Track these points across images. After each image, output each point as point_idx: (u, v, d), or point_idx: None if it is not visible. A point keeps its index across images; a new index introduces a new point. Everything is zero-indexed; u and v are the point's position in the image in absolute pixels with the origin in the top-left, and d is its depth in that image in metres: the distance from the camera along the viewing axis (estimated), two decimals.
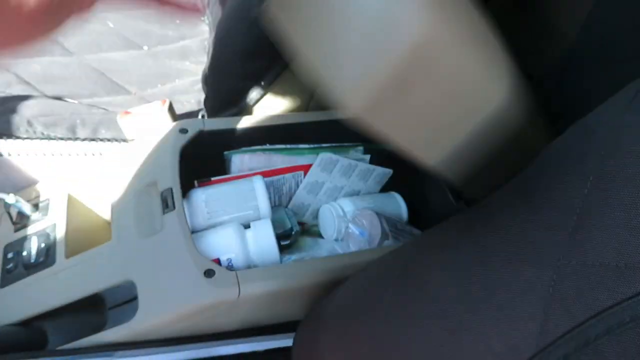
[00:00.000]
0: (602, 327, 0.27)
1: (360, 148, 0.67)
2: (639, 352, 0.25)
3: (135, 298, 0.48)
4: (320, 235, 0.66)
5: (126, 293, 0.51)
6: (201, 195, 0.57)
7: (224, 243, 0.52)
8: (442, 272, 0.34)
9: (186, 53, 0.96)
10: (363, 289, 0.39)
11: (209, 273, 0.48)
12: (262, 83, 0.62)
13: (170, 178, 0.55)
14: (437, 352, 0.33)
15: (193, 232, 0.56)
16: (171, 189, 0.54)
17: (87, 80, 0.82)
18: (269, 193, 0.63)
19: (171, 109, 0.66)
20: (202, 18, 1.07)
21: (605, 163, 0.28)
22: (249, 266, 0.53)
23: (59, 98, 0.76)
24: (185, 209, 0.56)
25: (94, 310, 0.53)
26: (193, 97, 0.85)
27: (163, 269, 0.49)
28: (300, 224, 0.68)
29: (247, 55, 0.63)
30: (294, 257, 0.59)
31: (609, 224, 0.27)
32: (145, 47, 0.94)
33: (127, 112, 0.65)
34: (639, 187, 0.26)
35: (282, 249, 0.61)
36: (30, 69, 0.79)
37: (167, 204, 0.53)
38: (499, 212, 0.33)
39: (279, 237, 0.60)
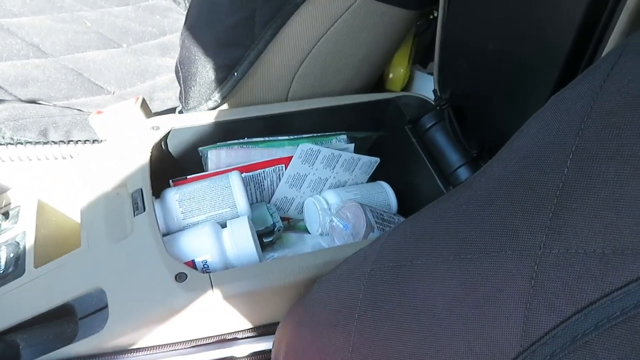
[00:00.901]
0: (590, 322, 0.24)
1: (344, 136, 0.64)
2: (633, 349, 0.22)
3: (105, 307, 0.46)
4: (306, 231, 0.63)
5: (97, 302, 0.48)
6: (174, 195, 0.54)
7: (198, 244, 0.50)
8: (418, 267, 0.31)
9: (167, 48, 0.93)
10: (336, 288, 0.36)
11: (180, 277, 0.45)
12: (236, 74, 0.59)
13: (141, 178, 0.52)
14: (415, 353, 0.30)
15: (167, 234, 0.54)
16: (141, 190, 0.51)
17: (64, 82, 0.79)
18: (250, 189, 0.60)
19: (145, 106, 0.63)
20: (183, 12, 1.04)
21: (585, 139, 0.25)
22: (227, 267, 0.50)
23: (32, 101, 0.73)
24: (158, 210, 0.53)
25: (67, 320, 0.50)
26: (174, 94, 0.82)
27: (133, 275, 0.46)
28: (285, 219, 0.65)
29: (219, 45, 0.60)
30: (276, 254, 0.57)
31: (592, 205, 0.24)
32: (124, 45, 0.91)
33: (99, 112, 0.63)
34: (623, 162, 0.23)
35: (265, 247, 0.59)
36: (3, 72, 0.76)
37: (137, 205, 0.51)
38: (473, 198, 0.30)
39: (261, 235, 0.58)
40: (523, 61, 0.48)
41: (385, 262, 0.33)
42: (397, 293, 0.31)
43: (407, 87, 0.83)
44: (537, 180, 0.26)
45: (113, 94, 0.82)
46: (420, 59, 0.81)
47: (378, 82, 0.80)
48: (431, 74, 0.81)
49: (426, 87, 0.80)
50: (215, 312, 0.47)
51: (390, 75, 0.82)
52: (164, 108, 0.83)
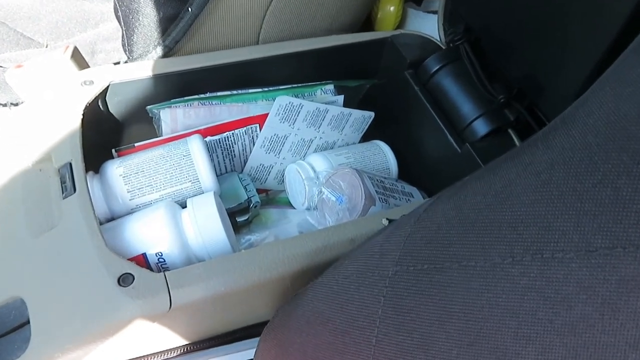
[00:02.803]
0: None
1: (330, 86, 0.52)
2: None
3: (27, 322, 0.34)
4: (289, 205, 0.52)
5: (15, 316, 0.36)
6: (118, 168, 0.42)
7: (150, 232, 0.38)
8: (468, 272, 0.20)
9: None
10: (339, 298, 0.25)
11: (124, 279, 0.34)
12: (191, 9, 0.46)
13: (69, 149, 0.40)
14: None
15: (112, 219, 0.42)
16: (70, 164, 0.39)
17: None
18: (216, 156, 0.48)
19: (77, 56, 0.50)
20: None
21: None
22: (189, 261, 0.39)
23: None
24: (97, 190, 0.41)
25: None
26: (121, 45, 0.68)
27: (61, 279, 0.34)
28: (263, 191, 0.53)
29: None
30: (254, 237, 0.45)
31: None
32: None
33: (18, 66, 0.49)
34: None
35: (240, 228, 0.47)
36: None
37: (66, 185, 0.38)
38: (560, 163, 0.19)
39: (234, 213, 0.46)
40: None
41: (415, 262, 0.22)
42: (438, 311, 0.20)
43: (399, 28, 0.70)
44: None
45: (46, 47, 0.68)
46: None
47: (365, 25, 0.67)
48: (428, 12, 0.69)
49: (422, 27, 0.68)
50: (175, 322, 0.36)
51: (379, 15, 0.69)
52: (111, 62, 0.69)
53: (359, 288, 0.24)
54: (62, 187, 0.39)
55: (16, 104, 0.52)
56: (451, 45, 0.49)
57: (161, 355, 0.39)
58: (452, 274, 0.20)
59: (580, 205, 0.18)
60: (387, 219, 0.34)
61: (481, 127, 0.46)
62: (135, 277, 0.34)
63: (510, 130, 0.46)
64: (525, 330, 0.19)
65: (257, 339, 0.41)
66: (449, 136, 0.47)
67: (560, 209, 0.18)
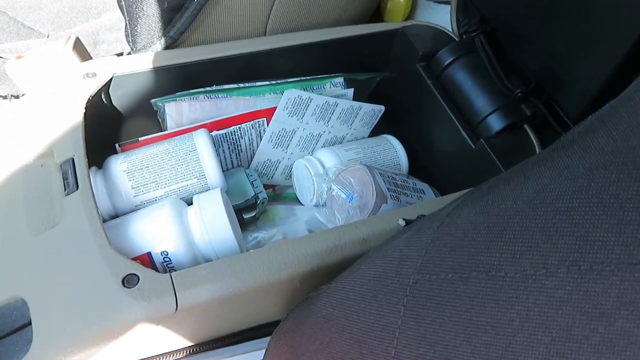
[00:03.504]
0: None
1: (340, 79, 0.50)
2: None
3: (28, 323, 0.33)
4: (297, 201, 0.50)
5: (16, 317, 0.35)
6: (122, 164, 0.40)
7: (155, 230, 0.37)
8: (497, 282, 0.19)
9: None
10: (355, 306, 0.23)
11: (129, 280, 0.32)
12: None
13: (72, 144, 0.39)
14: None
15: (116, 216, 0.40)
16: (72, 160, 0.38)
17: None
18: (223, 151, 0.47)
19: (79, 47, 0.49)
20: None
21: None
22: (196, 260, 0.37)
23: None
24: (101, 186, 0.40)
25: None
26: (124, 36, 0.66)
27: (63, 279, 0.33)
28: (270, 187, 0.52)
29: None
30: (261, 235, 0.44)
31: None
32: None
33: (19, 57, 0.48)
34: None
35: (247, 225, 0.46)
36: None
37: (68, 181, 0.37)
38: (600, 167, 0.17)
39: (241, 210, 0.45)
40: None
41: (438, 270, 0.20)
42: (464, 323, 0.19)
43: (409, 19, 0.68)
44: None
45: (47, 37, 0.66)
46: None
47: (374, 16, 0.66)
48: (439, 2, 0.67)
49: (433, 18, 0.66)
50: (181, 323, 0.35)
51: (389, 5, 0.67)
52: (113, 53, 0.68)
53: (377, 296, 0.22)
54: (64, 183, 0.37)
55: (17, 96, 0.51)
56: (465, 36, 0.47)
57: (167, 357, 0.38)
58: (479, 284, 0.19)
59: (623, 213, 0.16)
60: (403, 219, 0.33)
61: (496, 123, 0.44)
62: (140, 278, 0.32)
63: (526, 126, 0.45)
64: (558, 346, 0.17)
65: (265, 339, 0.40)
66: (462, 131, 0.46)
67: (600, 217, 0.17)
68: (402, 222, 0.33)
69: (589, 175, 0.18)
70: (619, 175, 0.17)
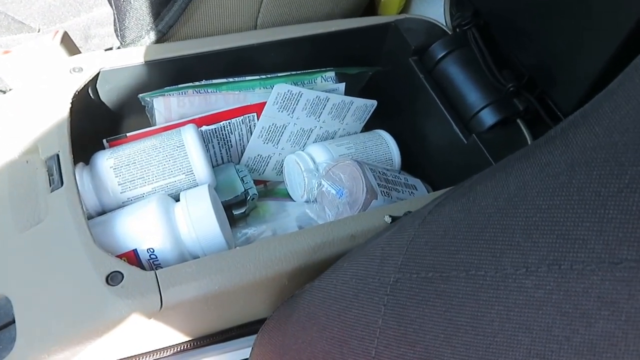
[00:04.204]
0: None
1: (332, 73, 0.50)
2: None
3: (12, 322, 0.33)
4: (288, 197, 0.50)
5: (1, 315, 0.35)
6: (108, 160, 0.40)
7: (141, 227, 0.36)
8: (477, 281, 0.18)
9: None
10: (337, 304, 0.23)
11: (113, 278, 0.32)
12: None
13: (57, 140, 0.38)
14: None
15: (103, 212, 0.40)
16: (57, 156, 0.37)
17: None
18: (212, 147, 0.47)
19: (67, 42, 0.48)
20: None
21: None
22: (183, 257, 0.37)
23: None
24: (87, 182, 0.39)
25: None
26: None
27: (47, 277, 0.33)
28: (260, 182, 0.51)
29: None
30: (251, 231, 0.44)
31: None
32: None
33: (6, 52, 0.47)
34: None
35: (236, 222, 0.46)
36: None
37: (53, 178, 0.37)
38: (581, 164, 0.17)
39: (230, 206, 0.45)
40: None
41: (418, 269, 0.20)
42: (444, 323, 0.19)
43: (404, 12, 0.68)
44: None
45: (38, 31, 0.66)
46: None
47: (368, 9, 0.65)
48: None
49: (428, 12, 0.65)
50: (167, 321, 0.34)
51: None
52: (105, 47, 0.67)
53: (358, 295, 0.22)
54: (49, 179, 0.37)
55: (4, 92, 0.50)
56: (458, 30, 0.47)
57: (153, 355, 0.38)
58: (459, 283, 0.19)
59: (604, 211, 0.16)
60: (389, 215, 0.33)
61: (488, 117, 0.44)
62: (124, 275, 0.32)
63: (519, 121, 0.44)
64: (539, 347, 0.17)
65: (253, 337, 0.40)
66: (455, 126, 0.45)
67: (581, 215, 0.16)
68: (388, 219, 0.33)
69: (570, 172, 0.17)
70: (601, 172, 0.16)
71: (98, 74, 0.43)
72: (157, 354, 0.37)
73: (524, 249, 0.17)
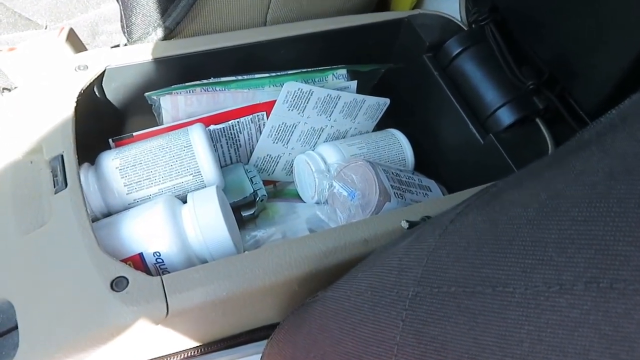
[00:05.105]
0: None
1: (343, 71, 0.48)
2: None
3: (15, 327, 0.32)
4: (298, 197, 0.49)
5: (3, 320, 0.34)
6: (114, 160, 0.39)
7: (147, 230, 0.35)
8: (504, 298, 0.17)
9: None
10: (351, 318, 0.22)
11: (118, 283, 0.31)
12: None
13: (61, 140, 0.37)
14: None
15: (106, 215, 0.39)
16: (62, 156, 0.36)
17: None
18: (220, 146, 0.45)
19: (73, 38, 0.47)
20: None
21: None
22: (190, 261, 0.36)
23: None
24: (93, 183, 0.38)
25: None
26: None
27: (51, 281, 0.32)
28: (270, 183, 0.50)
29: None
30: (260, 233, 0.43)
31: None
32: None
33: (11, 49, 0.46)
34: None
35: (245, 223, 0.45)
36: None
37: (57, 179, 0.36)
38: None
39: (239, 208, 0.43)
40: None
41: (440, 283, 0.19)
42: (467, 342, 0.17)
43: (417, 7, 0.66)
44: None
45: (45, 28, 0.65)
46: None
47: (380, 4, 0.63)
48: None
49: (442, 7, 0.64)
50: (173, 328, 0.33)
51: None
52: (113, 44, 0.66)
53: (374, 308, 0.21)
54: (53, 180, 0.36)
55: (9, 89, 0.49)
56: (474, 25, 0.45)
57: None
58: (484, 300, 0.17)
59: None
60: (406, 221, 0.31)
61: (506, 116, 0.42)
62: (129, 281, 0.31)
63: (538, 120, 0.42)
64: None
65: (262, 342, 0.39)
66: (471, 125, 0.44)
67: (623, 229, 0.15)
68: (405, 225, 0.31)
69: (609, 181, 0.16)
70: None
71: (104, 71, 0.42)
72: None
73: (557, 264, 0.16)
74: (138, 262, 0.35)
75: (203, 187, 0.40)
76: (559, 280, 0.16)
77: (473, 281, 0.18)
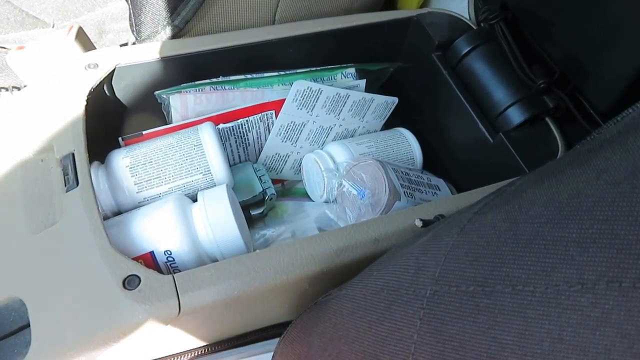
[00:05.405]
0: None
1: (352, 70, 0.48)
2: None
3: (27, 325, 0.32)
4: (307, 196, 0.49)
5: (15, 318, 0.34)
6: (124, 159, 0.39)
7: (158, 228, 0.35)
8: (524, 298, 0.17)
9: None
10: (366, 316, 0.22)
11: (130, 281, 0.31)
12: None
13: (72, 138, 0.37)
14: None
15: (116, 213, 0.39)
16: (73, 155, 0.36)
17: None
18: (229, 145, 0.45)
19: (82, 37, 0.47)
20: None
21: None
22: (201, 259, 0.36)
23: None
24: (103, 181, 0.38)
25: None
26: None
27: (62, 279, 0.32)
28: (278, 181, 0.50)
29: None
30: (269, 232, 0.43)
31: None
32: None
33: (20, 48, 0.46)
34: None
35: (254, 222, 0.45)
36: None
37: (69, 177, 0.36)
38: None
39: (248, 206, 0.43)
40: None
41: (458, 282, 0.19)
42: (487, 341, 0.17)
43: (425, 6, 0.66)
44: None
45: (53, 27, 0.65)
46: None
47: (387, 3, 0.63)
48: None
49: (451, 5, 0.64)
50: (184, 326, 0.33)
51: None
52: (120, 43, 0.66)
53: (391, 307, 0.21)
54: (64, 179, 0.36)
55: (18, 88, 0.50)
56: (483, 24, 0.45)
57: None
58: (504, 299, 0.17)
59: None
60: (420, 219, 0.31)
61: (516, 115, 0.42)
62: (141, 279, 0.31)
63: (548, 119, 0.42)
64: None
65: (273, 341, 0.39)
66: (480, 124, 0.44)
67: None
68: (419, 223, 0.31)
69: (633, 180, 0.15)
70: None
71: (114, 70, 0.42)
72: (173, 359, 0.36)
73: (579, 263, 0.16)
74: (149, 260, 0.35)
75: (213, 186, 0.40)
76: (580, 279, 0.16)
77: (492, 280, 0.18)
